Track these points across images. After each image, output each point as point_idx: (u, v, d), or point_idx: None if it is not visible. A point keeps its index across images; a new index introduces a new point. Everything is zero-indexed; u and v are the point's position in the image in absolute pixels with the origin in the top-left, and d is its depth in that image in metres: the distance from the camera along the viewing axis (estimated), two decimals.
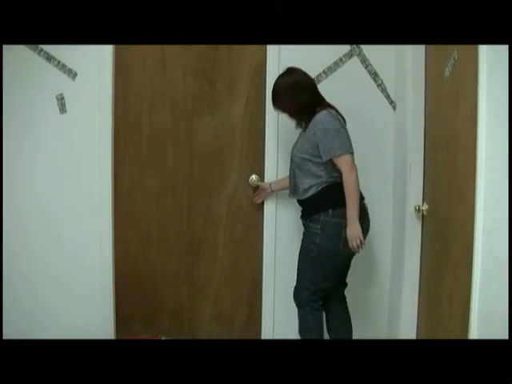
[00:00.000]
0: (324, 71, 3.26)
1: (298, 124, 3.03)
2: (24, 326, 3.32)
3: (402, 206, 3.11)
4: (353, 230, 2.72)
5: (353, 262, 3.28)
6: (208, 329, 3.54)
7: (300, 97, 2.87)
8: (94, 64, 3.33)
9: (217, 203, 3.46)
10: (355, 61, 3.26)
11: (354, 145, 3.26)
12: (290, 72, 2.93)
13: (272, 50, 3.26)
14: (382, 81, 3.26)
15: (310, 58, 3.22)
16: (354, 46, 3.25)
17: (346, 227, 2.75)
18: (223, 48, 3.37)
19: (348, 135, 2.82)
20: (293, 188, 2.98)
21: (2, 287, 3.04)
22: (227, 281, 3.52)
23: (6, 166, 3.24)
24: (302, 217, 3.00)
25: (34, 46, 3.29)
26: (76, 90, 3.35)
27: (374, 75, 3.26)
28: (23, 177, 3.35)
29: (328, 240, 2.80)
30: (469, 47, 2.08)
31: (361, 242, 2.72)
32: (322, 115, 2.79)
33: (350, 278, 3.31)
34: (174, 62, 3.43)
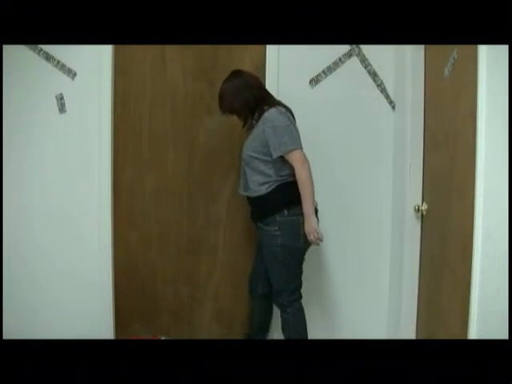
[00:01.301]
0: (323, 71, 3.26)
1: (247, 124, 3.05)
2: (22, 327, 3.31)
3: (401, 205, 3.11)
4: (309, 224, 2.76)
5: (353, 261, 3.31)
6: (208, 328, 3.54)
7: (244, 95, 2.90)
8: (93, 64, 3.32)
9: (217, 203, 3.46)
10: (355, 60, 3.26)
11: (353, 144, 3.29)
12: (234, 75, 2.99)
13: (272, 49, 3.26)
14: (381, 81, 3.26)
15: (309, 57, 3.23)
16: (354, 45, 3.24)
17: (303, 223, 2.80)
18: (223, 48, 3.38)
19: (297, 131, 2.84)
20: (244, 185, 3.00)
21: (1, 287, 3.03)
22: (227, 280, 3.52)
23: (4, 166, 3.23)
24: (254, 218, 3.02)
25: (33, 46, 3.28)
26: (75, 90, 3.35)
27: (374, 75, 3.26)
28: (22, 177, 3.35)
29: (290, 239, 2.84)
30: (468, 47, 2.08)
31: (318, 234, 2.77)
32: (270, 113, 2.80)
33: (351, 278, 3.33)
34: (174, 62, 3.43)
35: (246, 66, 3.36)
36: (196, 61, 3.41)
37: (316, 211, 2.89)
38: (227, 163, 3.44)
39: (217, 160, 3.45)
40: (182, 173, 3.47)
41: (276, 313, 3.19)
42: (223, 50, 3.38)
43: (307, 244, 2.86)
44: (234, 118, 3.21)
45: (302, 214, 2.81)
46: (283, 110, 2.85)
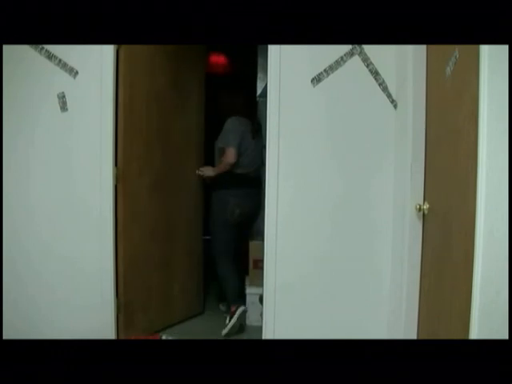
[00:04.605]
0: (325, 70, 3.26)
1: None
2: (24, 320, 3.34)
3: (402, 204, 3.10)
4: None
5: (354, 260, 3.30)
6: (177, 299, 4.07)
7: None
8: (95, 63, 3.34)
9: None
10: (356, 60, 3.25)
11: (355, 143, 3.30)
12: None
13: (273, 48, 3.26)
14: (383, 80, 3.25)
15: (311, 56, 3.23)
16: (355, 44, 3.24)
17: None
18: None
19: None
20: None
21: (1, 287, 3.04)
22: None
23: (6, 164, 3.24)
24: None
25: (35, 45, 3.30)
26: (77, 89, 3.36)
27: (375, 74, 3.25)
28: (24, 175, 3.36)
29: None
30: (470, 46, 2.08)
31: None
32: None
33: (351, 277, 3.32)
34: (161, 68, 3.65)
35: None
36: (171, 71, 3.59)
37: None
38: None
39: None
40: (166, 168, 3.88)
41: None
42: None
43: None
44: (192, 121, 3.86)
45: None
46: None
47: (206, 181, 4.40)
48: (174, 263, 4.13)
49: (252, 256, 4.36)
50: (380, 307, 3.34)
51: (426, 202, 2.88)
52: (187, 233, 4.31)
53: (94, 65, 3.36)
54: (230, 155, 4.15)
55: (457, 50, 2.33)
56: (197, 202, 4.43)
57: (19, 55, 3.29)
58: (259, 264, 4.03)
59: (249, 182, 4.35)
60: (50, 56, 3.35)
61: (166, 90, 3.83)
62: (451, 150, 2.45)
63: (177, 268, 4.16)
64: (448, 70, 2.47)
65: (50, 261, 3.44)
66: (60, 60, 3.35)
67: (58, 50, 3.34)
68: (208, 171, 4.31)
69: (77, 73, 3.36)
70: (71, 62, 3.37)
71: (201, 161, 4.45)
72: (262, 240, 3.42)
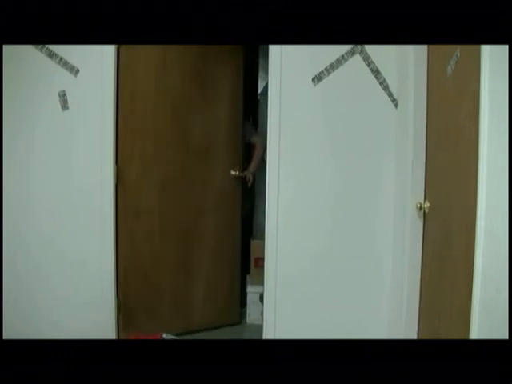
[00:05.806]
0: (326, 68, 3.26)
1: None
2: (23, 319, 3.35)
3: (403, 203, 3.10)
4: None
5: (354, 259, 3.30)
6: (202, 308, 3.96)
7: None
8: (96, 61, 3.35)
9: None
10: (357, 58, 3.25)
11: (356, 142, 3.30)
12: None
13: (274, 47, 3.26)
14: (384, 78, 3.25)
15: (311, 55, 3.22)
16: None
17: None
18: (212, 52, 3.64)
19: None
20: None
21: (1, 288, 3.05)
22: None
23: (7, 161, 3.25)
24: None
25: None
26: (78, 87, 3.37)
27: (376, 73, 3.25)
28: (24, 174, 3.37)
29: None
30: (471, 45, 2.07)
31: None
32: None
33: (352, 276, 3.32)
34: (173, 65, 3.58)
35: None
36: (191, 65, 3.53)
37: None
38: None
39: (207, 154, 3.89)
40: (182, 167, 3.75)
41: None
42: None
43: None
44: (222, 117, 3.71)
45: None
46: None
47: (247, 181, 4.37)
48: (196, 267, 3.91)
49: (253, 255, 4.37)
50: (381, 305, 3.34)
51: (426, 201, 2.88)
52: (215, 236, 4.02)
53: (95, 63, 3.36)
54: (263, 146, 4.25)
55: (458, 49, 2.33)
56: (230, 204, 4.11)
57: (20, 54, 3.29)
58: (260, 262, 4.04)
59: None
60: (51, 54, 3.35)
61: (184, 87, 3.70)
62: (452, 149, 2.45)
63: (199, 272, 3.93)
64: (449, 68, 2.47)
65: (51, 260, 3.45)
66: (61, 58, 3.35)
67: (59, 48, 3.34)
68: (249, 173, 4.35)
69: (78, 71, 3.36)
70: (72, 60, 3.37)
71: (238, 160, 4.20)
72: (263, 239, 3.42)
